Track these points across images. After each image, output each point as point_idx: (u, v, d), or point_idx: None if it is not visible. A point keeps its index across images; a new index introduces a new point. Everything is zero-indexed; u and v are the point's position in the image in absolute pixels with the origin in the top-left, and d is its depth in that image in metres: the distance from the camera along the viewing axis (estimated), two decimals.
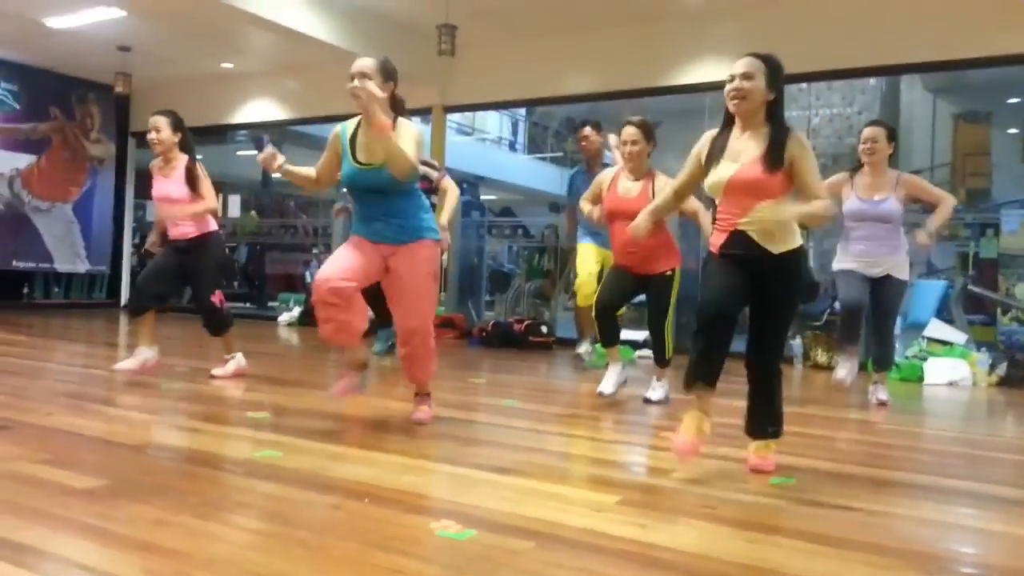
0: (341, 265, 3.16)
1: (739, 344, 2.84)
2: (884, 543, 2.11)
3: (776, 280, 2.74)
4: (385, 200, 3.23)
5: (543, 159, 19.51)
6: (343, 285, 3.11)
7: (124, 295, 11.33)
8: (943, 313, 9.19)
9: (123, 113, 11.06)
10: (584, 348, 6.03)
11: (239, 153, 15.06)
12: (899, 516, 2.39)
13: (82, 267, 10.86)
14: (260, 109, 10.44)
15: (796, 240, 2.75)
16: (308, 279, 11.65)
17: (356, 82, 3.09)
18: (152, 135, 4.36)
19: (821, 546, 2.07)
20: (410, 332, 3.30)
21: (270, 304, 12.39)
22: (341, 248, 3.30)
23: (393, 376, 4.85)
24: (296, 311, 9.80)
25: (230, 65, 9.89)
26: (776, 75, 2.72)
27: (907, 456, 3.40)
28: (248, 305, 12.82)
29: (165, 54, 9.39)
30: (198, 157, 4.51)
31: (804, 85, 13.21)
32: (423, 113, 9.10)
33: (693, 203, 4.00)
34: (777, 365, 2.86)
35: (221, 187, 14.88)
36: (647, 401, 4.23)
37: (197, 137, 6.38)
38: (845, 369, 4.56)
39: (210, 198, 4.47)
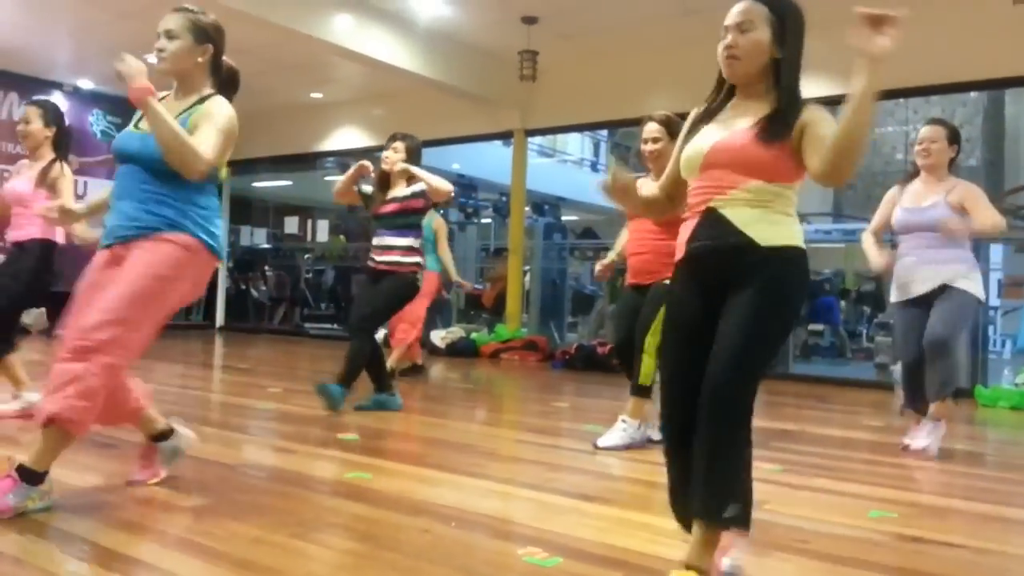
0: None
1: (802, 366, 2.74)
2: None
3: (754, 277, 1.85)
4: (136, 177, 2.45)
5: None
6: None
7: (220, 317, 11.79)
8: None
9: None
10: None
11: (327, 179, 15.55)
12: (1009, 555, 2.27)
13: None
14: (347, 136, 10.76)
15: (796, 238, 1.90)
16: None
17: (159, 42, 2.50)
18: (20, 127, 3.76)
19: None
20: (80, 328, 2.34)
21: None
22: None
23: (472, 400, 4.88)
24: (382, 333, 9.98)
25: (319, 95, 10.24)
26: (787, 22, 1.92)
27: (1014, 491, 3.22)
28: (335, 327, 13.16)
29: (256, 85, 9.77)
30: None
31: (901, 99, 12.86)
32: (504, 137, 9.22)
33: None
34: (735, 411, 1.83)
35: (310, 212, 15.45)
36: (595, 447, 3.62)
37: (287, 165, 6.57)
38: (922, 438, 3.77)
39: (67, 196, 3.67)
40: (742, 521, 1.83)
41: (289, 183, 15.05)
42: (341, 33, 7.18)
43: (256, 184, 14.69)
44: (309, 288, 13.75)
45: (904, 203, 3.84)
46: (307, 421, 4.11)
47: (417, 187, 4.52)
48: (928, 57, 6.66)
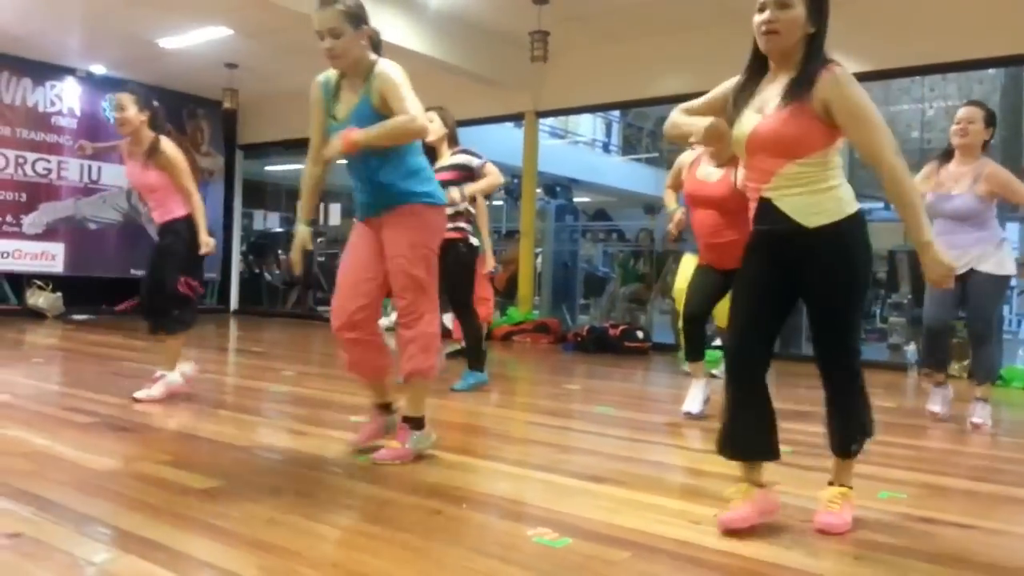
0: (343, 290, 2.87)
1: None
2: (1006, 564, 2.01)
3: (816, 261, 2.13)
4: (363, 163, 2.78)
5: (638, 160, 19.36)
6: (355, 316, 2.83)
7: (234, 301, 11.87)
8: None
9: (231, 127, 11.59)
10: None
11: (340, 162, 15.58)
12: (1019, 535, 2.27)
13: None
14: None
15: (843, 209, 2.12)
16: None
17: (327, 43, 2.69)
18: (116, 113, 3.92)
19: (935, 565, 1.99)
20: (400, 311, 2.85)
21: None
22: (342, 260, 2.95)
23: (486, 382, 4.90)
24: (394, 316, 10.02)
25: None
26: (820, 4, 2.11)
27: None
28: None
29: (269, 70, 9.79)
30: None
31: (916, 77, 12.71)
32: (516, 119, 9.18)
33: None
34: (850, 372, 2.24)
35: (322, 196, 15.46)
36: (688, 415, 3.93)
37: (300, 149, 6.60)
38: (937, 401, 4.16)
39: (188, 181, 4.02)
40: (864, 440, 2.29)
41: (301, 167, 15.07)
42: None
43: (269, 168, 14.73)
44: (322, 272, 13.81)
45: (937, 189, 3.99)
46: (320, 404, 4.14)
47: (461, 159, 4.63)
48: (944, 34, 6.58)
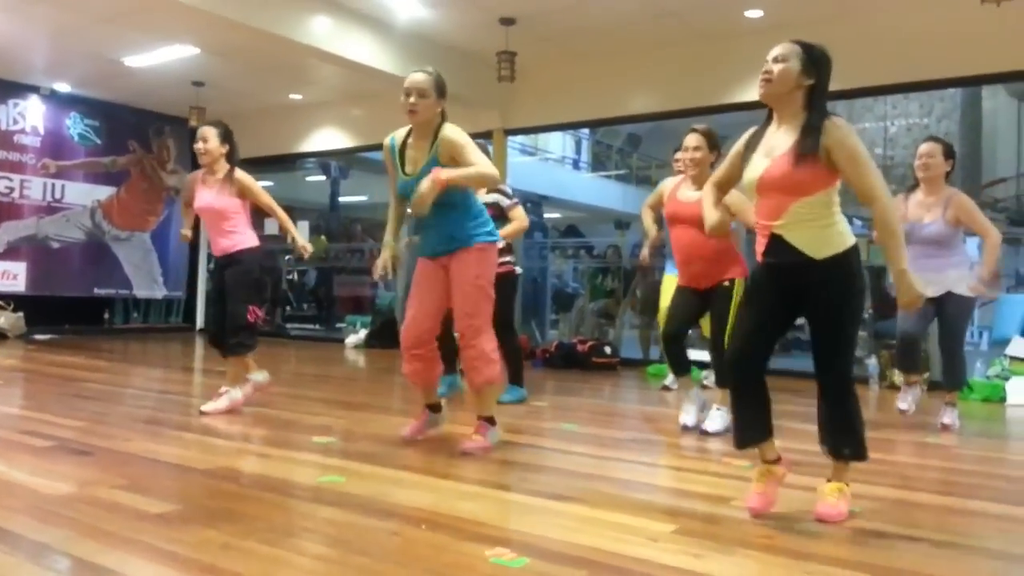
0: (414, 313, 3.46)
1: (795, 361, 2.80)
2: None
3: (825, 288, 2.47)
4: (434, 211, 3.27)
5: (607, 176, 19.51)
6: (423, 336, 3.46)
7: (199, 319, 11.74)
8: None
9: None
10: (671, 379, 6.00)
11: (308, 179, 15.50)
12: (967, 547, 2.32)
13: (159, 293, 11.30)
14: (327, 137, 10.73)
15: (845, 241, 2.47)
16: (376, 301, 11.89)
17: (412, 99, 3.26)
18: (200, 145, 4.25)
19: None
20: (460, 333, 3.41)
21: (338, 326, 12.68)
22: (412, 288, 3.50)
23: (449, 400, 4.90)
24: (362, 333, 9.99)
25: (298, 96, 10.21)
26: (816, 61, 2.48)
27: (982, 483, 3.27)
28: (317, 327, 13.14)
29: (236, 87, 9.76)
30: (266, 184, 4.58)
31: (879, 96, 12.95)
32: (484, 137, 9.21)
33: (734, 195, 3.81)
34: (846, 383, 2.55)
35: (290, 212, 15.40)
36: (704, 433, 4.03)
37: (268, 166, 6.58)
38: (907, 400, 4.56)
39: (274, 205, 4.43)
40: (857, 454, 2.59)
41: (270, 183, 15.01)
42: (319, 35, 7.16)
43: None
44: (291, 289, 13.72)
45: (908, 216, 4.30)
46: (284, 425, 4.12)
47: (494, 197, 4.93)
48: (905, 56, 6.73)
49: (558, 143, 17.78)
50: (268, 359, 8.26)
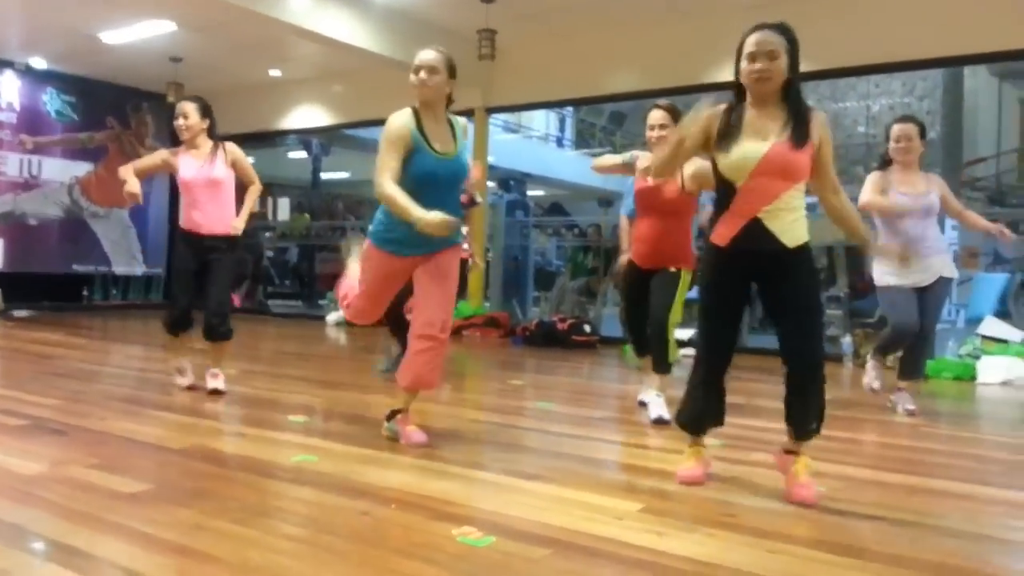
0: (369, 306, 3.43)
1: (761, 340, 2.84)
2: (906, 554, 2.11)
3: (796, 273, 2.54)
4: (450, 194, 3.20)
5: (591, 154, 19.48)
6: (370, 320, 3.52)
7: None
8: (1004, 306, 8.94)
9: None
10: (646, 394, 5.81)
11: (289, 155, 15.39)
12: (927, 526, 2.38)
13: (139, 269, 11.24)
14: (308, 114, 10.66)
15: (807, 232, 2.56)
16: None
17: (423, 75, 3.11)
18: (180, 121, 4.16)
19: (841, 557, 2.08)
20: (439, 325, 3.19)
21: (320, 302, 12.66)
22: (372, 282, 3.32)
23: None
24: (341, 312, 9.97)
25: (278, 72, 10.12)
26: (796, 52, 2.52)
27: (947, 462, 3.33)
28: (299, 303, 13.11)
29: (215, 63, 9.66)
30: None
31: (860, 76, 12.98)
32: (465, 114, 9.18)
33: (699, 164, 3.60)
34: (819, 368, 2.58)
35: (270, 189, 15.30)
36: (659, 422, 3.77)
37: (248, 143, 6.54)
38: (878, 377, 4.54)
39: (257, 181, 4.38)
40: (818, 430, 2.64)
41: (251, 160, 14.91)
42: (298, 12, 7.10)
43: None
44: (273, 266, 13.67)
45: (901, 189, 4.20)
46: (261, 404, 4.13)
47: None
48: (886, 35, 6.75)
49: (542, 120, 17.72)
50: (249, 337, 8.26)
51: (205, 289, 4.21)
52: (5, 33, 8.91)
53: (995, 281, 9.60)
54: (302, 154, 15.08)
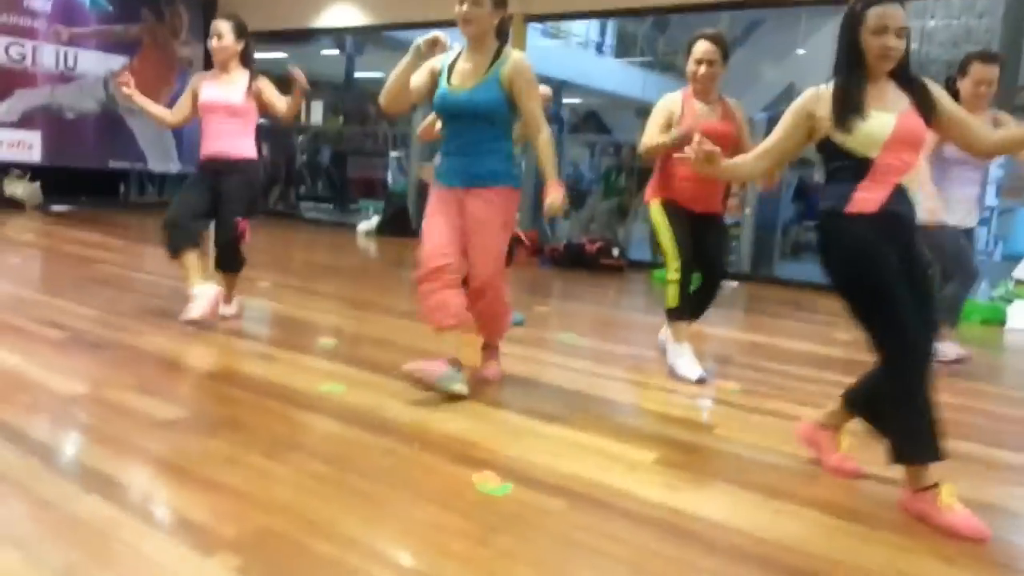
0: (436, 241, 3.07)
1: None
2: (911, 521, 2.16)
3: (915, 248, 2.36)
4: (468, 131, 3.08)
5: (632, 63, 18.95)
6: (443, 263, 3.03)
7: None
8: None
9: (210, 15, 11.21)
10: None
11: (323, 53, 15.15)
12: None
13: (174, 167, 11.30)
14: (342, 13, 10.43)
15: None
16: (388, 183, 11.87)
17: (465, 8, 2.93)
18: (214, 42, 4.01)
19: (847, 522, 2.14)
20: (482, 284, 3.10)
21: (351, 207, 12.73)
22: (428, 218, 3.14)
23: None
24: (375, 219, 10.04)
25: None
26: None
27: (962, 420, 3.28)
28: (331, 206, 13.19)
29: None
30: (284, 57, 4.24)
31: None
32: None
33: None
34: (932, 347, 2.38)
35: (307, 93, 15.18)
36: (701, 381, 3.53)
37: (281, 42, 6.38)
38: (957, 347, 4.28)
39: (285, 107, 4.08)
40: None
41: (284, 55, 14.72)
42: None
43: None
44: (306, 168, 13.69)
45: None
46: (292, 324, 4.24)
47: None
48: None
49: (582, 26, 17.18)
50: (281, 244, 8.38)
51: (216, 214, 4.07)
52: None
53: None
54: (335, 52, 14.84)
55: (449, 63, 3.10)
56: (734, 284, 6.70)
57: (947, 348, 4.27)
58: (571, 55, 16.49)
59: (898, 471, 2.30)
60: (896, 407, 2.29)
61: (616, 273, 7.48)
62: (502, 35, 3.12)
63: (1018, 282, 6.20)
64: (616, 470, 2.39)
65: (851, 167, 2.35)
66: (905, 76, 2.37)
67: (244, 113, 4.09)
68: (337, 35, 13.27)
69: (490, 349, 3.43)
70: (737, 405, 3.22)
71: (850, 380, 2.60)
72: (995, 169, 10.62)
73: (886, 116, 2.32)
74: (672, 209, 3.66)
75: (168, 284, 5.37)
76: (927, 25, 17.46)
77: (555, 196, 3.07)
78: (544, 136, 3.06)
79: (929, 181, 3.93)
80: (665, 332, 3.86)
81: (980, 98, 3.92)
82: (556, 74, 15.04)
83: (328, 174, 13.80)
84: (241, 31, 4.09)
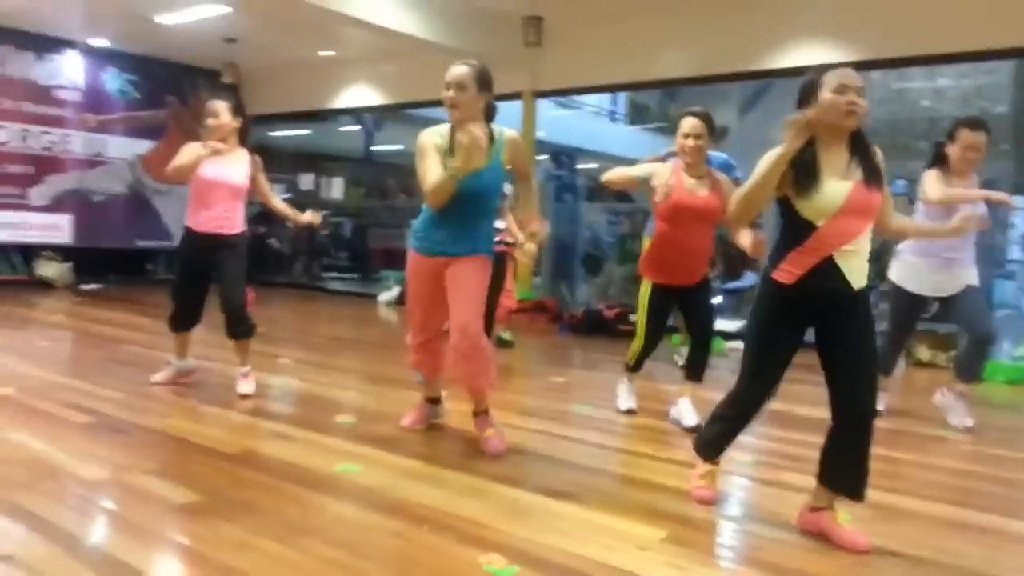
0: (428, 313, 3.49)
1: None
2: None
3: (858, 315, 2.49)
4: (468, 206, 3.24)
5: (646, 129, 19.25)
6: (433, 334, 3.55)
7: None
8: None
9: (232, 98, 11.64)
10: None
11: (342, 129, 15.58)
12: (945, 566, 2.40)
13: None
14: (360, 94, 10.78)
15: (868, 276, 2.53)
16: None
17: (452, 93, 3.14)
18: (211, 120, 4.13)
19: None
20: (460, 329, 3.25)
21: (374, 277, 12.93)
22: (416, 288, 3.44)
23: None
24: (395, 291, 10.17)
25: (330, 52, 10.25)
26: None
27: (979, 488, 3.27)
28: (354, 276, 13.40)
29: (268, 44, 9.83)
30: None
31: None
32: (512, 98, 9.18)
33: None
34: (872, 412, 2.51)
35: (324, 162, 15.55)
36: (696, 429, 3.74)
37: (304, 120, 6.53)
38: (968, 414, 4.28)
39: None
40: (859, 495, 2.54)
41: (306, 132, 15.15)
42: (346, 1, 7.19)
43: (271, 133, 14.79)
44: (329, 240, 13.95)
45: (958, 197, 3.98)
46: (311, 401, 4.31)
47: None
48: (933, 24, 6.51)
49: (594, 95, 17.53)
50: (304, 318, 8.51)
51: (219, 288, 4.23)
52: (68, 14, 9.18)
53: None
54: (355, 127, 15.24)
55: (448, 142, 3.21)
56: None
57: (954, 417, 4.30)
58: (585, 123, 16.80)
59: (914, 542, 2.29)
60: (718, 412, 2.81)
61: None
62: (489, 115, 3.27)
63: None
64: (624, 550, 2.40)
65: (794, 229, 2.48)
66: (860, 141, 2.47)
67: (242, 192, 4.23)
68: (356, 113, 13.67)
69: (481, 417, 3.52)
70: (752, 478, 3.22)
71: (887, 452, 2.64)
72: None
73: (840, 185, 2.42)
74: (658, 294, 4.01)
75: (193, 362, 5.48)
76: (937, 84, 17.64)
77: (541, 226, 3.44)
78: (535, 181, 3.54)
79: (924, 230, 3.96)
80: (678, 407, 3.99)
81: (968, 163, 4.02)
82: (571, 142, 15.32)
83: (350, 246, 14.06)
84: (237, 109, 4.21)
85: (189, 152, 4.06)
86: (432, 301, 3.43)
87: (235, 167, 4.18)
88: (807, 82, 2.48)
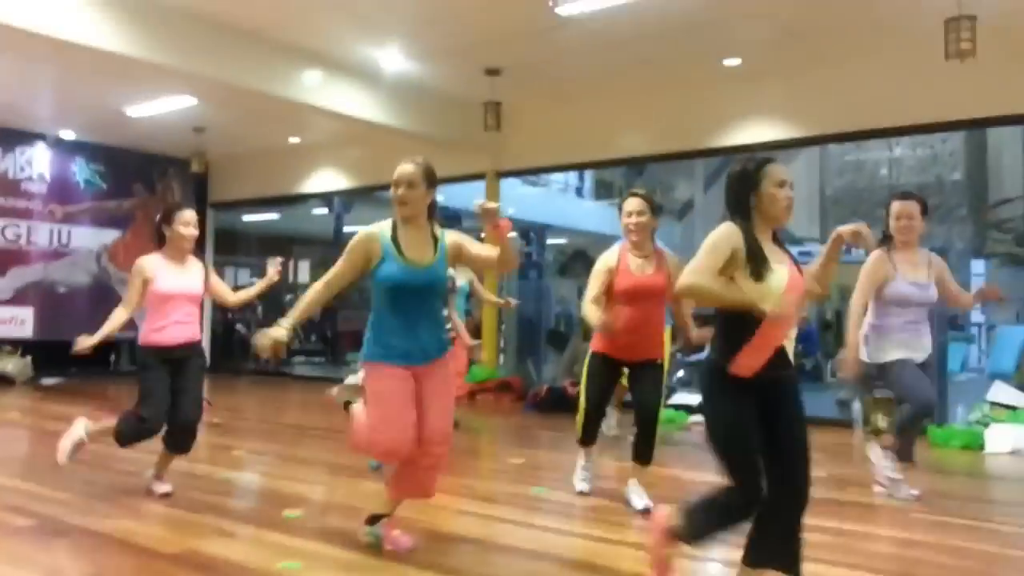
0: (404, 426, 3.08)
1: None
2: None
3: (794, 399, 2.52)
4: (423, 306, 3.18)
5: (612, 204, 19.61)
6: (410, 447, 3.11)
7: (207, 358, 11.95)
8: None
9: (201, 186, 11.77)
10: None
11: (313, 212, 15.75)
12: None
13: None
14: (327, 178, 10.96)
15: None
16: None
17: (401, 191, 3.11)
18: (189, 230, 4.09)
19: None
20: (443, 438, 3.17)
21: (343, 360, 12.87)
22: (389, 400, 3.09)
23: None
24: (362, 374, 10.11)
25: (297, 139, 10.45)
26: None
27: (926, 559, 3.26)
28: (323, 360, 13.33)
29: (236, 132, 10.01)
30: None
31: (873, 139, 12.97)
32: (476, 179, 9.38)
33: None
34: (807, 493, 2.48)
35: (293, 246, 15.64)
36: (647, 512, 3.77)
37: (273, 205, 6.56)
38: (893, 467, 4.24)
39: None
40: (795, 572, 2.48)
41: (276, 216, 15.29)
42: (310, 90, 7.39)
43: (242, 217, 14.91)
44: (297, 329, 13.93)
45: (908, 277, 4.15)
46: (259, 496, 4.25)
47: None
48: (874, 102, 6.80)
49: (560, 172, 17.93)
50: (267, 404, 8.41)
51: (177, 400, 4.06)
52: (36, 108, 9.34)
53: (1015, 335, 9.48)
54: (324, 210, 15.42)
55: (390, 238, 3.15)
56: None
57: (894, 488, 4.25)
58: (552, 200, 17.10)
59: None
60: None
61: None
62: (431, 211, 3.26)
63: (994, 405, 6.23)
64: None
65: (738, 323, 2.42)
66: (777, 232, 2.59)
67: (199, 300, 4.22)
68: (324, 196, 13.85)
69: (395, 518, 3.35)
70: (712, 560, 3.19)
71: (820, 524, 2.61)
72: (976, 284, 10.84)
73: (782, 268, 2.49)
74: (598, 364, 4.08)
75: (148, 460, 5.38)
76: (895, 154, 18.25)
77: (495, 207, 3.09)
78: (504, 244, 3.12)
79: (856, 324, 4.19)
80: (631, 485, 3.97)
81: (903, 232, 4.16)
82: (538, 218, 15.57)
83: (319, 329, 14.04)
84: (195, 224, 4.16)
85: (138, 274, 4.11)
86: (406, 412, 3.11)
87: (191, 277, 4.17)
88: (746, 172, 2.50)
